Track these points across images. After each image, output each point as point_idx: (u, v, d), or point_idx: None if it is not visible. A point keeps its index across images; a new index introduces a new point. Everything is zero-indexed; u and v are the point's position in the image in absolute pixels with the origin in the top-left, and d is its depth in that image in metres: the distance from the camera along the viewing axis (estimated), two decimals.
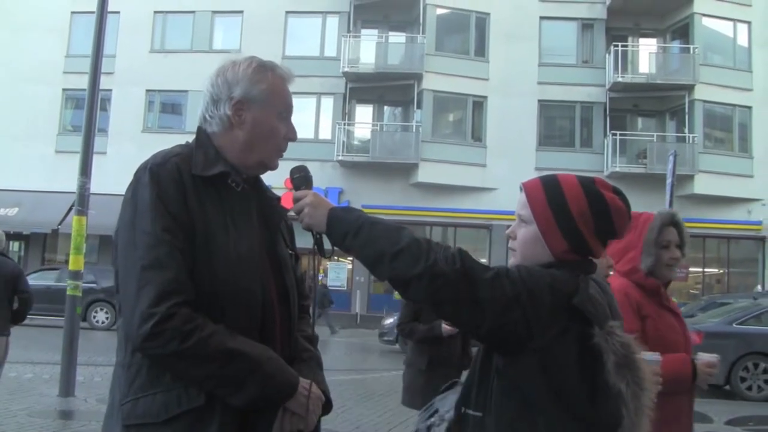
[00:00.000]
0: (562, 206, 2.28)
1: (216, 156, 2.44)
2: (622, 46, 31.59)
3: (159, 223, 2.23)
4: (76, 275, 11.79)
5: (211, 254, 2.29)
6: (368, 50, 32.38)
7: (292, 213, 2.52)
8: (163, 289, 2.17)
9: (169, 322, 2.15)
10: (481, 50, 32.66)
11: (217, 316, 2.25)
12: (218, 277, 2.28)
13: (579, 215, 2.27)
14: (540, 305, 2.13)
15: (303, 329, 2.65)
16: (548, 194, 2.31)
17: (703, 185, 29.88)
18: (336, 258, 29.32)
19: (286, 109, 2.54)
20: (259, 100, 2.46)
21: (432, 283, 2.14)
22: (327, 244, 2.46)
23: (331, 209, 2.37)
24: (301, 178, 2.55)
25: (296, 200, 2.45)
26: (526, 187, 2.38)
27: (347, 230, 2.29)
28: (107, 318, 23.95)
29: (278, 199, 2.66)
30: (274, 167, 2.56)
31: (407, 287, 2.20)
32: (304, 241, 2.60)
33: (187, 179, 2.34)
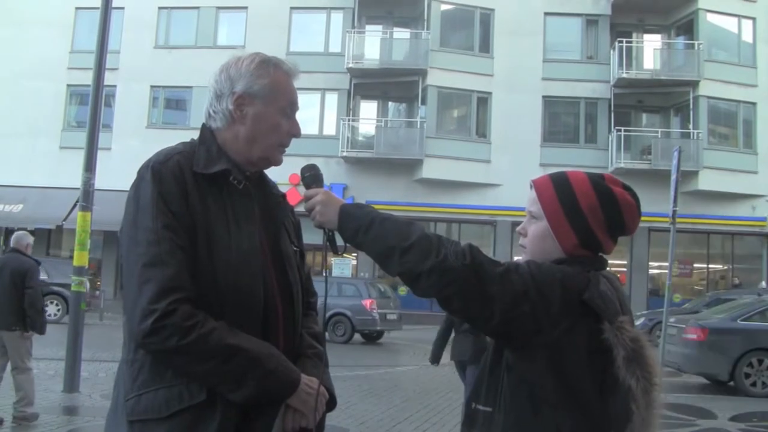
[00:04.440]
0: (571, 202, 2.29)
1: (218, 153, 2.44)
2: (627, 42, 31.55)
3: (160, 220, 2.24)
4: (80, 271, 11.83)
5: (212, 252, 2.30)
6: (373, 46, 32.39)
7: (300, 209, 2.52)
8: (164, 285, 2.18)
9: (169, 319, 2.15)
10: (485, 46, 32.65)
11: (218, 314, 2.25)
12: (219, 275, 2.29)
13: (589, 211, 2.27)
14: (549, 300, 2.14)
15: (309, 326, 2.65)
16: (558, 190, 2.32)
17: (707, 181, 29.85)
18: (340, 254, 29.35)
19: (289, 105, 2.53)
20: (260, 95, 2.46)
21: (441, 278, 2.15)
22: (339, 241, 2.46)
23: (342, 206, 2.39)
24: (311, 177, 2.56)
25: (307, 198, 2.47)
26: (536, 184, 2.39)
27: (358, 226, 2.31)
28: (58, 311, 23.56)
29: (283, 196, 2.67)
30: (277, 162, 2.56)
31: (417, 282, 2.21)
32: (313, 237, 2.60)
33: (189, 177, 2.35)
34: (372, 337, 23.66)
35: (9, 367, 9.02)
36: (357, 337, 23.12)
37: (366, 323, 22.68)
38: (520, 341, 2.18)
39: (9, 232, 34.01)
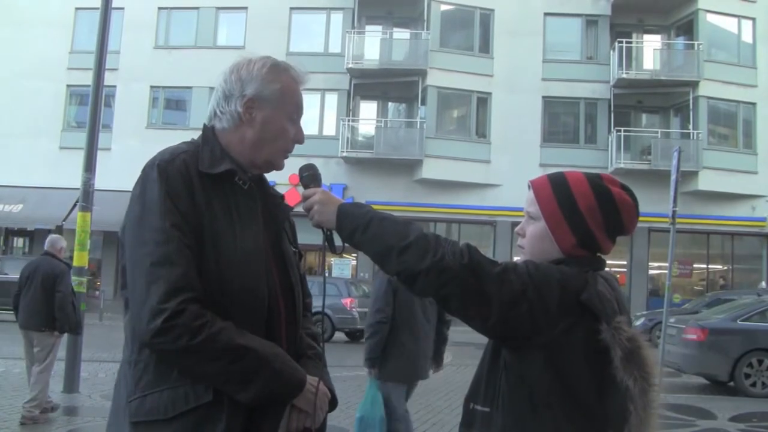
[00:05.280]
0: (569, 202, 2.29)
1: (222, 154, 2.44)
2: (627, 42, 31.53)
3: (168, 219, 2.23)
4: (80, 271, 11.82)
5: (217, 252, 2.29)
6: (372, 46, 32.34)
7: (298, 209, 2.52)
8: (173, 285, 2.17)
9: (179, 318, 2.15)
10: (485, 46, 32.63)
11: (223, 314, 2.25)
12: (224, 275, 2.29)
13: (587, 211, 2.28)
14: (547, 300, 2.14)
15: (307, 327, 2.66)
16: (556, 190, 2.32)
17: (707, 182, 29.84)
18: (339, 253, 29.34)
19: (296, 111, 2.55)
20: (271, 99, 2.47)
21: (439, 278, 2.16)
22: (338, 240, 2.47)
23: (341, 205, 2.40)
24: (309, 176, 2.58)
25: (305, 198, 2.48)
26: (534, 184, 2.39)
27: (356, 226, 2.32)
28: None
29: (282, 197, 2.66)
30: (280, 167, 2.57)
31: (415, 281, 2.21)
32: (310, 238, 2.61)
33: (195, 176, 2.34)
34: (356, 336, 23.75)
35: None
36: (340, 336, 23.13)
37: (346, 322, 22.77)
38: (518, 341, 2.19)
39: (9, 232, 34.11)
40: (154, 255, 2.20)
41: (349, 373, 14.71)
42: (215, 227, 2.31)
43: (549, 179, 2.38)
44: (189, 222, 2.27)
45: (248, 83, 2.47)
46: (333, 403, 2.53)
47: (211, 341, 2.17)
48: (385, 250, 2.25)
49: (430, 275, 2.16)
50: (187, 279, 2.20)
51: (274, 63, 2.54)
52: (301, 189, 2.59)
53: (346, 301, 22.61)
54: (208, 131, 2.51)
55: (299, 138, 2.56)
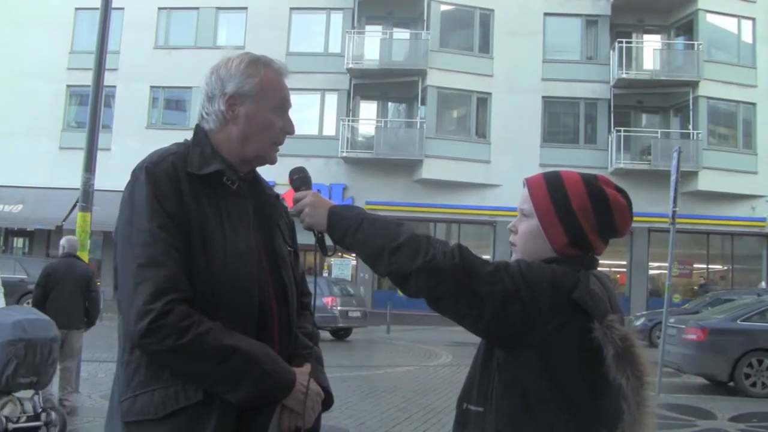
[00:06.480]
0: (563, 200, 2.29)
1: (212, 154, 2.45)
2: (627, 42, 31.55)
3: (155, 221, 2.25)
4: None
5: (207, 252, 2.30)
6: (372, 46, 32.39)
7: (292, 211, 2.53)
8: (160, 286, 2.18)
9: (166, 319, 2.16)
10: (485, 47, 32.66)
11: (213, 314, 2.25)
12: (214, 276, 2.29)
13: (580, 210, 2.28)
14: (540, 299, 2.14)
15: (303, 326, 2.65)
16: (550, 189, 2.33)
17: (707, 182, 29.86)
18: (340, 254, 29.36)
19: (281, 103, 2.54)
20: (251, 94, 2.47)
21: (431, 278, 2.16)
22: (329, 242, 2.47)
23: (332, 207, 2.41)
24: (300, 179, 2.58)
25: (296, 201, 2.49)
26: (529, 182, 2.40)
27: (347, 228, 2.33)
28: None
29: (277, 196, 2.67)
30: (272, 161, 2.57)
31: (406, 282, 2.21)
32: (308, 238, 2.61)
33: (183, 177, 2.35)
34: (339, 335, 24.03)
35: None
36: (325, 335, 23.24)
37: (327, 320, 22.90)
38: (510, 340, 2.19)
39: (9, 232, 34.12)
40: (141, 257, 2.22)
41: (349, 373, 14.73)
42: (205, 228, 2.32)
43: (544, 178, 2.38)
44: (177, 223, 2.27)
45: (227, 81, 2.48)
46: (328, 402, 2.53)
47: (198, 342, 2.18)
48: (377, 251, 2.26)
49: (422, 275, 2.17)
50: (174, 280, 2.21)
51: (253, 58, 2.54)
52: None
53: (327, 300, 22.89)
54: (200, 132, 2.52)
55: (289, 129, 2.55)
